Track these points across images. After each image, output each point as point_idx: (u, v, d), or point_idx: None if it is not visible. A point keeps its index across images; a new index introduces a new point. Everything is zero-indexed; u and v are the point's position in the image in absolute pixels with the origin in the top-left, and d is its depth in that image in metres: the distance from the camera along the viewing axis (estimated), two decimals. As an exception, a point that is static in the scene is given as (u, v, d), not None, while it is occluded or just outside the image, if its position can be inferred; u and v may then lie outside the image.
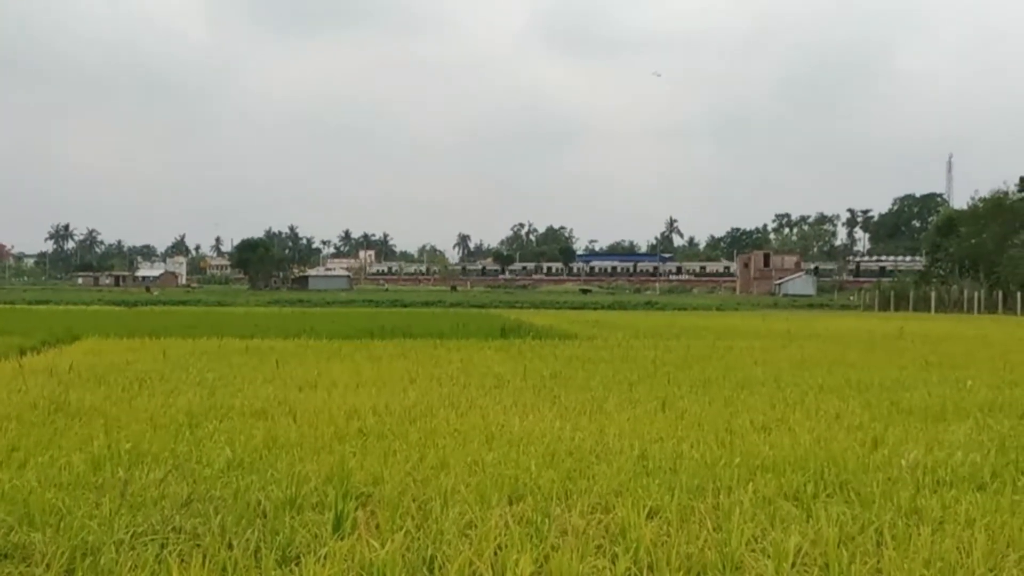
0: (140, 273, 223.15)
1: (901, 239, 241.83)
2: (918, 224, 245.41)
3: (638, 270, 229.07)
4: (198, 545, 6.73)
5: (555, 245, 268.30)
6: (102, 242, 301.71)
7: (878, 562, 6.52)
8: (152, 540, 6.80)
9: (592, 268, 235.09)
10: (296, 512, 7.59)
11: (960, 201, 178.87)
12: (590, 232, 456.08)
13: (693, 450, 10.42)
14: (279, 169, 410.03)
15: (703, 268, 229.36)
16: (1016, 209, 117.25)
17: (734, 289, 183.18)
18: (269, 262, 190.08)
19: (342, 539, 6.85)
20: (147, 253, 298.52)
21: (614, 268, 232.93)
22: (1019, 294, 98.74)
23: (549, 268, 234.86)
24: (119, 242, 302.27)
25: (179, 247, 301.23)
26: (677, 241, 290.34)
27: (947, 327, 51.42)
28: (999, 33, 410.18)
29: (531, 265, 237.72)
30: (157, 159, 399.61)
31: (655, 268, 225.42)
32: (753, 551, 6.75)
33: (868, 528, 7.22)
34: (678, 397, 15.57)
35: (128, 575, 6.16)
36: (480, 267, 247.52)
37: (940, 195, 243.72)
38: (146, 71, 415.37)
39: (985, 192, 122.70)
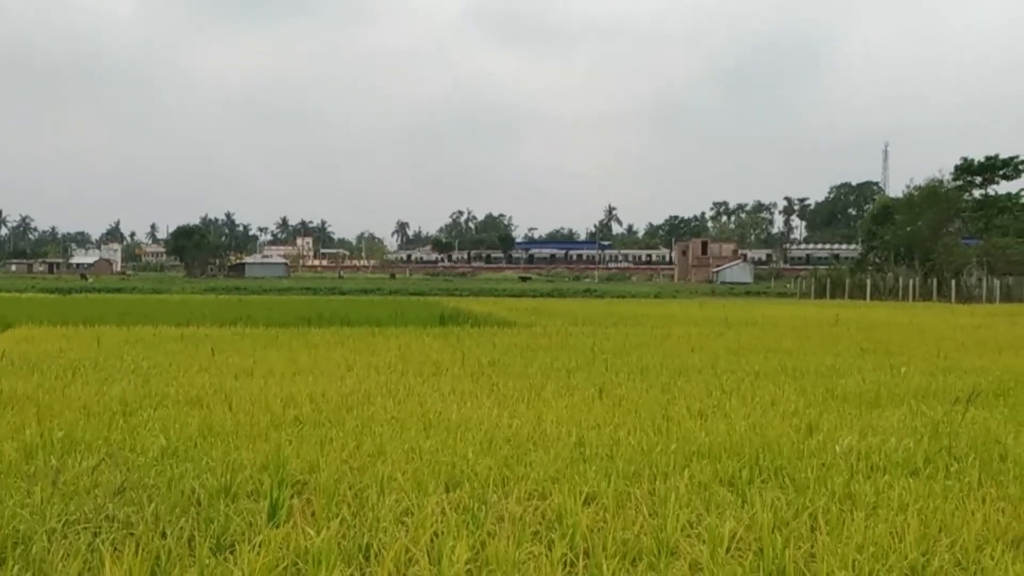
0: (74, 260, 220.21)
1: (837, 227, 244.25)
2: (854, 212, 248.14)
3: (577, 258, 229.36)
4: (131, 534, 6.67)
5: (494, 233, 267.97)
6: (35, 229, 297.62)
7: (812, 547, 6.58)
8: (84, 529, 6.73)
9: (531, 256, 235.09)
10: (231, 500, 7.53)
11: (896, 189, 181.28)
12: (530, 220, 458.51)
13: (630, 437, 10.46)
14: (216, 155, 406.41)
15: (642, 256, 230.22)
16: (951, 197, 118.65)
17: (672, 277, 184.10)
18: (205, 249, 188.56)
19: (277, 527, 6.81)
20: (81, 240, 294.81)
21: (553, 256, 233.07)
22: (953, 282, 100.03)
23: (488, 255, 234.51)
24: (53, 229, 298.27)
25: (114, 234, 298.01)
26: (616, 229, 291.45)
27: (882, 314, 51.95)
28: (935, 23, 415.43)
29: (483, 253, 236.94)
30: (91, 144, 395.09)
31: (594, 256, 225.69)
32: (688, 536, 6.79)
33: (802, 513, 7.28)
34: (616, 384, 15.62)
35: (60, 564, 6.08)
36: (428, 256, 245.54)
37: (876, 183, 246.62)
38: (80, 53, 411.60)
39: (920, 181, 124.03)
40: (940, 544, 6.63)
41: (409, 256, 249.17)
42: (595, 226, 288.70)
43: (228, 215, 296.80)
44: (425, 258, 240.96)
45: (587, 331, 30.87)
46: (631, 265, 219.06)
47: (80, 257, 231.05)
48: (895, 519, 7.14)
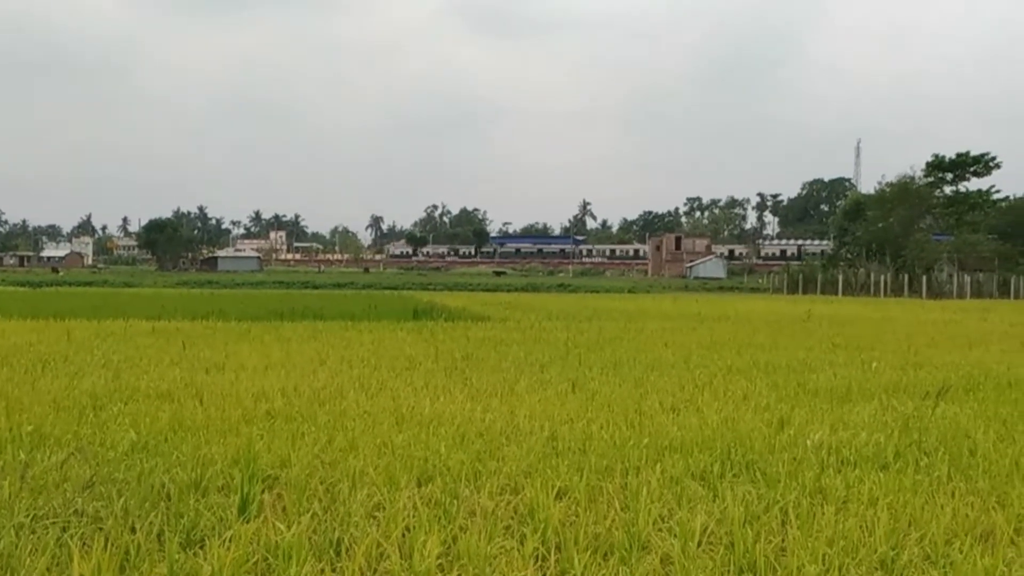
0: (45, 253, 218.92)
1: (810, 223, 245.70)
2: (826, 208, 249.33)
3: (552, 252, 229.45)
4: (100, 528, 6.63)
5: (469, 227, 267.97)
6: (6, 222, 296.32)
7: (782, 540, 6.60)
8: (53, 523, 6.69)
9: (506, 250, 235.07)
10: (201, 495, 7.50)
11: (868, 186, 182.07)
12: (504, 214, 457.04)
13: (603, 431, 10.47)
14: (189, 148, 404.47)
15: (616, 251, 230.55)
16: (922, 194, 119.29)
17: (646, 272, 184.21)
18: (177, 243, 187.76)
19: (248, 522, 6.78)
20: (53, 233, 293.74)
21: (528, 250, 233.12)
22: (924, 277, 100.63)
23: (463, 251, 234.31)
24: (24, 222, 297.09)
25: (85, 227, 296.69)
26: (590, 224, 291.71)
27: (854, 310, 52.17)
28: (908, 21, 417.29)
29: (465, 248, 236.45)
30: (64, 137, 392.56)
31: (568, 250, 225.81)
32: (660, 530, 6.79)
33: (773, 507, 7.30)
34: (589, 379, 15.64)
35: (28, 559, 6.03)
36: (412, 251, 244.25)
37: (848, 180, 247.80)
38: (53, 45, 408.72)
39: (892, 177, 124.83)
40: (910, 538, 6.66)
41: (383, 249, 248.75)
42: (569, 221, 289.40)
43: (201, 208, 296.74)
44: (400, 252, 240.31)
45: (561, 325, 30.88)
46: (605, 260, 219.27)
47: (51, 250, 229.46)
48: (865, 513, 7.16)
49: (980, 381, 16.04)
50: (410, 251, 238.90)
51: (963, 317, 43.61)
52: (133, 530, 6.59)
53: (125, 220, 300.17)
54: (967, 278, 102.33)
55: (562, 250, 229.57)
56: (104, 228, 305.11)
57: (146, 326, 27.21)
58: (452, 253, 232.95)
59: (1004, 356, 21.27)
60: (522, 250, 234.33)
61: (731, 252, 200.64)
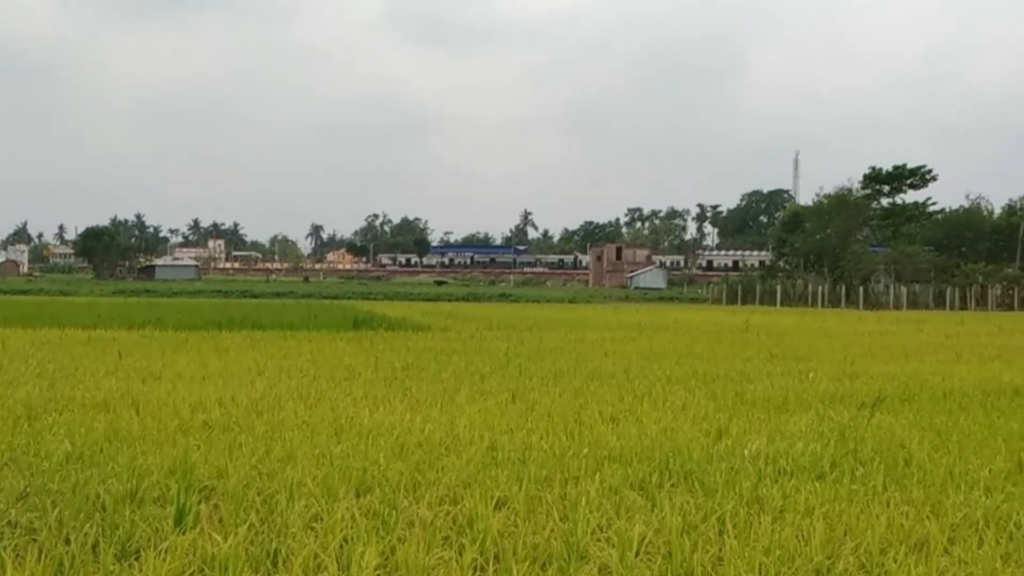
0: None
1: (749, 234, 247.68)
2: (765, 219, 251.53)
3: (493, 262, 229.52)
4: (34, 539, 6.53)
5: (410, 236, 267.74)
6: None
7: (720, 550, 6.62)
8: (-15, 535, 6.59)
9: (447, 260, 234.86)
10: (137, 506, 7.41)
11: (806, 197, 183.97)
12: (445, 224, 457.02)
13: (542, 441, 10.48)
14: (127, 154, 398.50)
15: (557, 261, 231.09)
16: (859, 205, 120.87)
17: (587, 282, 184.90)
18: (115, 251, 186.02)
19: (184, 533, 6.71)
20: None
21: (469, 260, 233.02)
22: (861, 288, 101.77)
23: (408, 260, 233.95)
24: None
25: (21, 235, 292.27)
26: (532, 234, 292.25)
27: (791, 320, 52.66)
28: (846, 36, 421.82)
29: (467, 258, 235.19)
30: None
31: (510, 260, 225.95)
32: (599, 540, 6.80)
33: (711, 517, 7.32)
34: (529, 389, 15.66)
35: (-41, 572, 5.95)
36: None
37: (787, 191, 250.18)
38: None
39: (830, 189, 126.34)
40: (845, 547, 6.70)
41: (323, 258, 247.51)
42: (511, 230, 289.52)
43: (138, 216, 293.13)
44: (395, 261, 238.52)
45: (502, 335, 30.95)
46: (546, 270, 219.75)
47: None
48: (801, 522, 7.21)
49: (915, 391, 16.21)
50: (404, 260, 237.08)
51: (899, 328, 44.15)
52: (68, 541, 6.50)
53: (61, 228, 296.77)
54: (903, 289, 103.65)
55: (504, 260, 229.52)
56: (40, 236, 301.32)
57: (82, 335, 26.97)
58: (393, 262, 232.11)
59: (939, 367, 21.51)
60: (463, 260, 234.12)
61: (671, 263, 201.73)
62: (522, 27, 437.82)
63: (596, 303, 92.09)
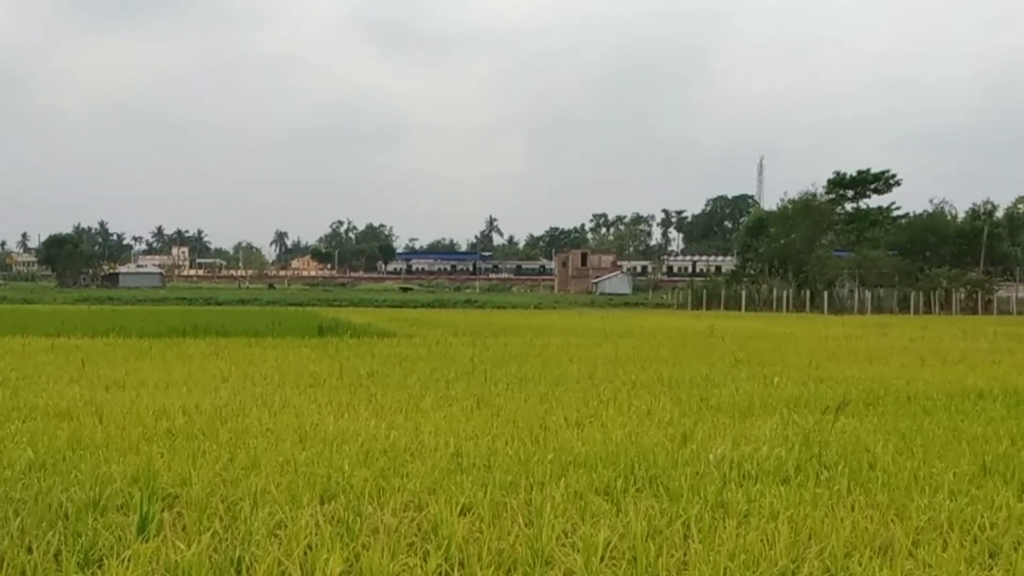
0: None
1: (714, 239, 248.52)
2: (730, 225, 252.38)
3: (458, 268, 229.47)
4: (-5, 549, 6.49)
5: (375, 243, 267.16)
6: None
7: (685, 555, 6.63)
8: (-54, 545, 6.53)
9: (412, 266, 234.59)
10: (100, 514, 7.36)
11: (770, 202, 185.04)
12: (411, 230, 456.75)
13: (508, 447, 10.47)
14: (90, 162, 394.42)
15: (522, 267, 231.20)
16: (823, 210, 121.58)
17: (552, 288, 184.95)
18: (78, 259, 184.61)
19: (147, 541, 6.67)
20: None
21: (434, 266, 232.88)
22: (826, 293, 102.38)
23: (374, 265, 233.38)
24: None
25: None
26: (497, 240, 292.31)
27: (756, 325, 52.88)
28: (809, 40, 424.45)
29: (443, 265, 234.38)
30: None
31: (475, 266, 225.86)
32: (564, 546, 6.79)
33: (676, 521, 7.33)
34: (495, 394, 15.65)
35: (-82, 582, 5.90)
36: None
37: (751, 197, 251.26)
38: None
39: (794, 194, 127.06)
40: (810, 551, 6.72)
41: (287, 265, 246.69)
42: (476, 237, 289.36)
43: (102, 224, 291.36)
44: (394, 269, 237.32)
45: (467, 341, 30.95)
46: (512, 276, 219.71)
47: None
48: (766, 527, 7.22)
49: (880, 395, 16.28)
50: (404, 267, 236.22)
51: (863, 332, 44.37)
52: (30, 550, 6.45)
53: (24, 235, 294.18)
54: (868, 294, 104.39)
55: (469, 266, 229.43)
56: (3, 244, 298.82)
57: (45, 343, 26.81)
58: (357, 268, 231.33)
59: (903, 371, 21.62)
60: (429, 266, 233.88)
61: (636, 268, 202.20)
62: (487, 33, 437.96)
63: (561, 309, 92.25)
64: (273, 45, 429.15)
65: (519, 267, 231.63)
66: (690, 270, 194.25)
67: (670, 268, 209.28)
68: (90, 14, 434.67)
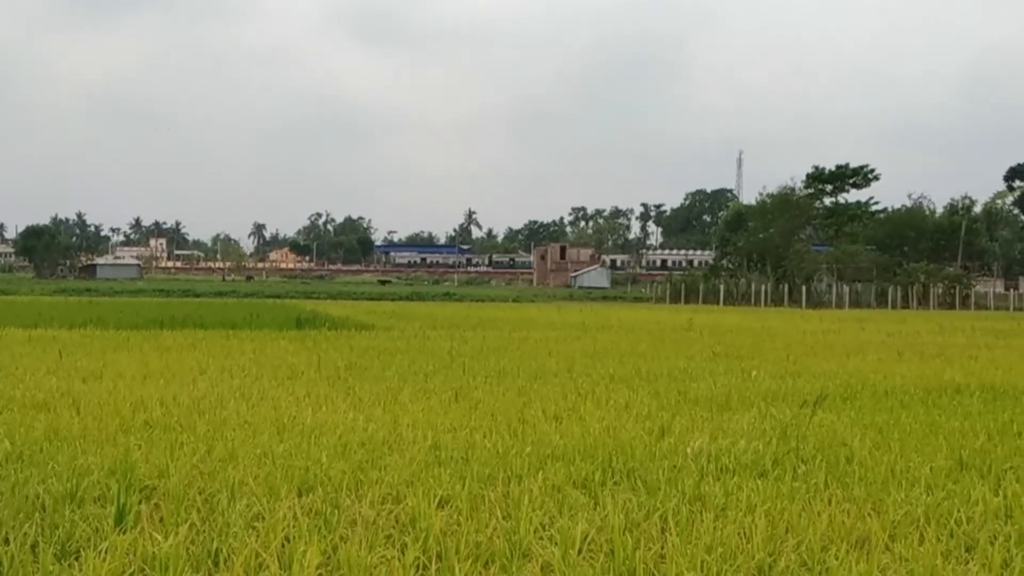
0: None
1: (692, 233, 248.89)
2: (709, 219, 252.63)
3: (437, 262, 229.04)
4: (-29, 540, 6.47)
5: (354, 236, 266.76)
6: None
7: (662, 548, 6.64)
8: (-79, 536, 6.51)
9: (391, 259, 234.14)
10: (77, 506, 7.35)
11: (749, 196, 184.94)
12: (389, 223, 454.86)
13: (486, 440, 10.48)
14: (68, 153, 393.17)
15: (501, 260, 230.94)
16: (802, 205, 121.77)
17: (531, 281, 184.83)
18: (56, 250, 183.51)
19: (124, 532, 6.66)
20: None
21: (413, 259, 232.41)
22: (804, 287, 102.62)
23: (350, 258, 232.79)
24: None
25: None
26: (476, 233, 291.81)
27: (735, 319, 52.99)
28: (789, 36, 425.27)
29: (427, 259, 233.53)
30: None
31: (454, 260, 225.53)
32: (541, 538, 6.80)
33: (653, 515, 7.35)
34: (473, 387, 15.66)
35: None
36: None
37: (730, 191, 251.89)
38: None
39: (773, 188, 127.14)
40: (787, 544, 6.74)
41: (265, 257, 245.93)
42: (455, 230, 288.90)
43: (79, 215, 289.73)
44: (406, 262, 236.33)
45: (445, 334, 30.94)
46: (491, 269, 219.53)
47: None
48: (743, 520, 7.24)
49: (857, 390, 16.35)
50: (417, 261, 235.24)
51: (841, 326, 44.53)
52: (6, 541, 6.44)
53: (1, 226, 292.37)
54: (846, 288, 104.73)
55: (448, 259, 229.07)
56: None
57: (22, 334, 26.69)
58: (335, 261, 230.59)
59: (881, 365, 21.72)
60: (407, 259, 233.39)
61: (616, 262, 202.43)
62: (466, 26, 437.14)
63: (540, 302, 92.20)
64: (255, 39, 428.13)
65: (498, 260, 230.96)
66: (669, 263, 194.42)
67: (652, 262, 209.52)
68: (71, 5, 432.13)
